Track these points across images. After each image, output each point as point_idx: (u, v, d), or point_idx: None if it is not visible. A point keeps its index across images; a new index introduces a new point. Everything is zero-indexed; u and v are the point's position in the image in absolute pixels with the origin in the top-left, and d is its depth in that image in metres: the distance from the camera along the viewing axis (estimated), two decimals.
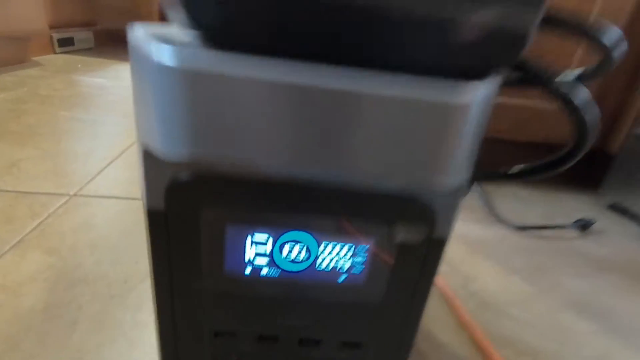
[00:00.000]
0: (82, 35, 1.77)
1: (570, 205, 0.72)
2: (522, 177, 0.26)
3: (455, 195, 0.15)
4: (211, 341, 0.18)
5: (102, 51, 1.79)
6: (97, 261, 0.40)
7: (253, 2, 0.12)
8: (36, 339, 0.30)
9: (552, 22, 0.20)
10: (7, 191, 0.50)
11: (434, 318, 0.39)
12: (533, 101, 0.71)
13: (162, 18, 2.73)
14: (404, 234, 0.16)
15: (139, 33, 0.16)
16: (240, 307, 0.18)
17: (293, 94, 0.13)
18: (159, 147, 0.15)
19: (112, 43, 2.03)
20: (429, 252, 0.16)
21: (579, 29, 0.22)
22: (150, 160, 0.15)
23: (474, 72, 0.14)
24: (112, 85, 1.15)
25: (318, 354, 0.19)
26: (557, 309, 0.42)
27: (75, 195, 0.51)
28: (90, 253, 0.41)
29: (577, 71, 0.25)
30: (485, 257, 0.51)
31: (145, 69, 0.14)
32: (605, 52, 0.22)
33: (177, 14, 0.14)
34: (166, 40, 0.14)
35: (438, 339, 0.36)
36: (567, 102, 0.20)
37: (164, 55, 0.13)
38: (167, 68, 0.13)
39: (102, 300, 0.35)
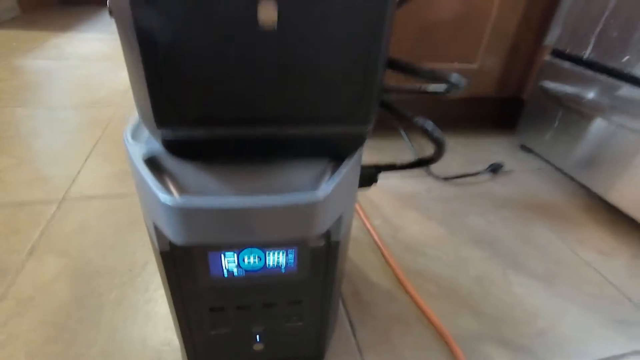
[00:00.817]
0: (4, 5, 1.63)
1: (490, 149, 0.87)
2: (397, 169, 0.38)
3: (338, 224, 0.26)
4: (208, 314, 0.30)
5: (32, 20, 1.66)
6: (102, 256, 0.50)
7: (190, 142, 0.22)
8: (75, 322, 0.41)
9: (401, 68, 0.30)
10: (1, 204, 0.57)
11: (369, 263, 0.52)
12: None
13: None
14: (312, 244, 0.27)
15: (129, 136, 0.24)
16: (223, 293, 0.29)
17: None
18: (162, 231, 0.24)
19: (41, 8, 1.87)
20: (329, 250, 0.28)
21: (425, 74, 0.32)
22: (158, 231, 0.25)
23: (338, 155, 0.24)
24: (58, 68, 1.13)
25: (276, 311, 0.31)
26: (460, 244, 0.57)
27: (64, 199, 0.59)
28: (94, 250, 0.50)
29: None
30: (413, 208, 0.65)
31: (133, 164, 0.24)
32: (450, 86, 0.32)
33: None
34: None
35: (370, 279, 0.50)
36: (424, 131, 0.31)
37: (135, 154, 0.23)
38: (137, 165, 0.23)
39: (116, 287, 0.46)
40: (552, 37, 0.76)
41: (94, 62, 1.22)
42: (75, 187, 0.62)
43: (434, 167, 0.77)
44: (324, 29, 0.20)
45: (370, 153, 0.81)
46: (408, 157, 0.80)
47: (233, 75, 0.20)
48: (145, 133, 0.27)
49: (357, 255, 0.54)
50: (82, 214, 0.57)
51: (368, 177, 0.38)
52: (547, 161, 0.82)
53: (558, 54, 0.75)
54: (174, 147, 0.22)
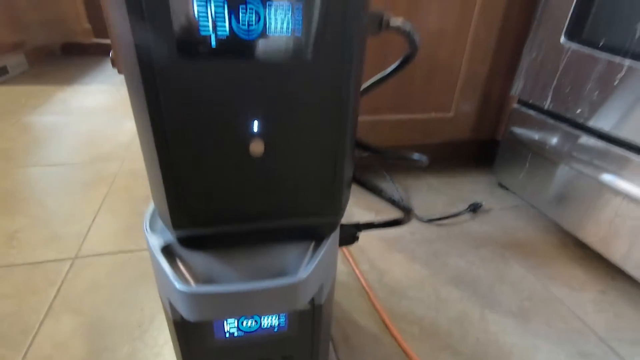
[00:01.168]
0: (14, 61, 1.73)
1: (470, 189, 0.93)
2: (375, 227, 0.44)
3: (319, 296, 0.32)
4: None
5: (39, 74, 1.76)
6: (113, 313, 0.54)
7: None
8: None
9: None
10: (19, 265, 0.62)
11: (357, 308, 0.57)
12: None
13: (95, 33, 2.61)
14: (299, 309, 0.33)
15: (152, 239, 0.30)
16: (225, 351, 0.34)
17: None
18: (176, 308, 0.30)
19: (46, 61, 1.98)
20: (314, 311, 0.33)
21: (390, 155, 0.38)
22: (172, 305, 0.30)
23: (319, 236, 0.31)
24: (64, 123, 1.21)
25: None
26: (441, 285, 0.62)
27: (76, 257, 0.64)
28: (106, 307, 0.55)
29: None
30: (398, 251, 0.70)
31: (152, 253, 0.29)
32: (415, 162, 0.39)
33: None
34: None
35: (359, 323, 0.55)
36: (392, 202, 0.37)
37: (154, 244, 0.29)
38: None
39: (128, 342, 0.50)
40: (517, 88, 0.84)
41: (98, 114, 1.30)
42: (86, 244, 0.68)
43: (418, 209, 0.83)
44: (298, 152, 0.26)
45: (356, 200, 0.87)
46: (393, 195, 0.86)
47: (235, 187, 0.26)
48: (160, 221, 0.33)
49: (346, 299, 0.59)
50: (94, 271, 0.62)
51: (349, 237, 0.44)
52: (522, 198, 0.88)
53: (523, 103, 0.83)
54: (186, 241, 0.28)
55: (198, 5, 0.20)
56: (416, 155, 0.40)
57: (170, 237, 0.30)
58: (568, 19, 0.71)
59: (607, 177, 0.64)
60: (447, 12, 0.78)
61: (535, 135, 0.79)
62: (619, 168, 0.62)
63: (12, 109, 1.31)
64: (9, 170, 0.91)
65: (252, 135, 0.25)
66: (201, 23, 0.20)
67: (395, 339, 0.52)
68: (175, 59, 0.21)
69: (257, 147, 0.25)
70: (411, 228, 0.77)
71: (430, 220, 0.80)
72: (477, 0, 0.78)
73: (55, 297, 0.56)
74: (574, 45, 0.69)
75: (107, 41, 2.35)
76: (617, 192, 0.62)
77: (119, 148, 1.06)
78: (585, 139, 0.68)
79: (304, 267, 0.28)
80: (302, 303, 0.29)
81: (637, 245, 0.60)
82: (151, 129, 0.23)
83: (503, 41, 0.84)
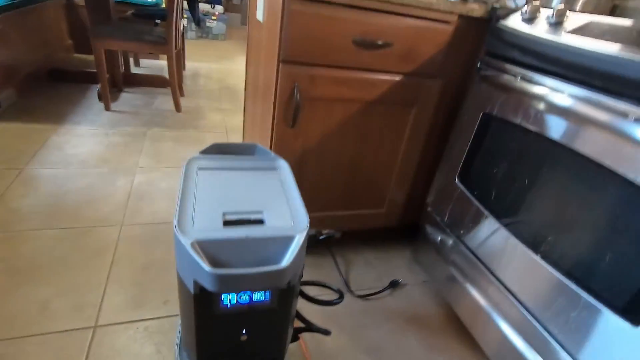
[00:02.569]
0: (5, 94, 1.85)
1: (396, 263, 1.24)
2: (312, 331, 0.71)
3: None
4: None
5: (30, 107, 1.89)
6: None
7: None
8: None
9: None
10: (54, 333, 0.84)
11: None
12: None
13: (76, 48, 2.72)
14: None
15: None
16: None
17: None
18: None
19: (34, 89, 2.08)
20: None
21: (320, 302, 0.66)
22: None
23: None
24: (65, 177, 1.39)
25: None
26: (359, 353, 0.91)
27: (96, 326, 0.87)
28: None
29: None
30: (332, 325, 0.99)
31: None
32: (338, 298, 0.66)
33: None
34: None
35: None
36: (314, 330, 0.64)
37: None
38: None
39: None
40: (430, 199, 1.15)
41: (93, 167, 1.48)
42: (102, 315, 0.90)
43: (353, 283, 1.12)
44: (253, 334, 0.53)
45: (310, 270, 1.14)
46: (336, 280, 1.15)
47: None
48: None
49: None
50: (111, 340, 0.85)
51: (293, 337, 0.72)
52: (429, 275, 1.20)
53: (432, 210, 1.14)
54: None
55: None
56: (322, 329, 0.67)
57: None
58: (460, 166, 1.02)
59: (469, 282, 0.95)
60: (384, 144, 1.06)
61: (437, 238, 1.10)
62: (477, 275, 0.94)
63: (13, 156, 1.47)
64: (24, 234, 1.10)
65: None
66: None
67: None
68: None
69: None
70: (345, 304, 1.06)
71: (360, 297, 1.09)
72: (405, 136, 1.08)
73: None
74: (462, 187, 1.00)
75: (92, 69, 2.47)
76: (474, 292, 0.94)
77: (117, 211, 1.27)
78: (463, 251, 0.99)
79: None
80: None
81: (488, 329, 0.92)
82: None
83: (423, 164, 1.15)
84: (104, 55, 1.88)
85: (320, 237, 1.10)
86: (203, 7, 4.76)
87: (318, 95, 0.91)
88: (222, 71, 3.17)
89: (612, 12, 1.20)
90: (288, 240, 0.50)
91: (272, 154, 0.69)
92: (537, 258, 0.77)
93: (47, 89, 2.17)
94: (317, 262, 1.19)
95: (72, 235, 1.13)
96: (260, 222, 0.52)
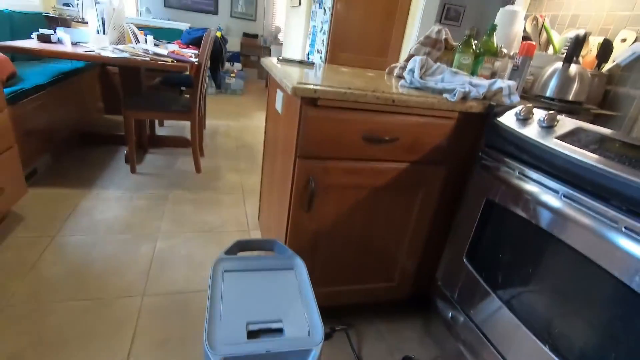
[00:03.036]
0: (42, 161, 2.01)
1: (408, 336, 1.25)
2: None
3: None
4: None
5: (62, 172, 2.04)
6: None
7: None
8: None
9: None
10: None
11: None
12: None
13: (107, 110, 2.94)
14: None
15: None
16: None
17: None
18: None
19: (67, 153, 2.25)
20: None
21: None
22: None
23: None
24: (92, 243, 1.48)
25: None
26: None
27: None
28: None
29: None
30: None
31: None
32: None
33: None
34: None
35: None
36: None
37: None
38: None
39: None
40: (439, 275, 1.18)
41: (118, 233, 1.58)
42: None
43: (367, 354, 1.13)
44: None
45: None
46: (349, 355, 1.16)
47: None
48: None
49: None
50: None
51: None
52: (441, 350, 1.20)
53: (443, 285, 1.17)
54: None
55: None
56: None
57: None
58: (468, 245, 1.06)
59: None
60: (393, 223, 1.12)
61: (448, 312, 1.12)
62: (488, 358, 0.95)
63: (46, 223, 1.57)
64: (52, 305, 1.17)
65: None
66: None
67: None
68: None
69: None
70: None
71: None
72: (413, 215, 1.14)
73: None
74: (470, 267, 1.04)
75: (121, 132, 2.66)
76: None
77: (139, 279, 1.33)
78: (475, 330, 1.01)
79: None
80: None
81: None
82: None
83: (431, 239, 1.20)
84: (133, 124, 2.04)
85: (334, 332, 1.15)
86: None
87: (331, 184, 0.99)
88: (239, 129, 3.35)
89: (605, 97, 1.29)
90: (306, 353, 0.55)
91: (289, 250, 0.75)
92: (547, 349, 0.79)
93: (79, 151, 2.34)
94: (329, 342, 1.21)
95: (97, 306, 1.19)
96: (280, 331, 0.57)
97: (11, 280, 1.25)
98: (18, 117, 1.70)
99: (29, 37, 1.98)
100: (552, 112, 0.86)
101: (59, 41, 1.91)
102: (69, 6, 3.47)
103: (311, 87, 0.85)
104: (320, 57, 2.75)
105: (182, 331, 1.14)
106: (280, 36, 5.81)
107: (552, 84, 1.17)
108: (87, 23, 2.46)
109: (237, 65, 5.32)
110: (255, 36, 5.77)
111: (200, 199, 1.97)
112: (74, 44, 1.92)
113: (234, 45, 5.58)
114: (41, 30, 1.86)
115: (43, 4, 3.23)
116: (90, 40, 1.98)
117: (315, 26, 2.95)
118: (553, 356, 0.77)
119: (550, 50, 1.41)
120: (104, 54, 1.74)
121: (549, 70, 1.19)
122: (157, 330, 1.14)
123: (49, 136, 2.06)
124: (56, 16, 2.34)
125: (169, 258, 1.47)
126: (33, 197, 1.76)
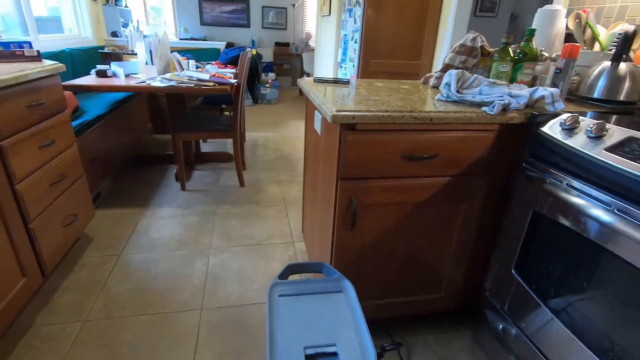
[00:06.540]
0: (105, 184, 2.21)
1: (457, 347, 1.24)
2: None
3: None
4: None
5: (121, 192, 2.22)
6: None
7: None
8: None
9: None
10: None
11: None
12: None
13: (155, 130, 3.11)
14: None
15: None
16: None
17: None
18: None
19: (125, 174, 2.45)
20: None
21: None
22: None
23: None
24: (152, 261, 1.61)
25: None
26: None
27: None
28: None
29: None
30: None
31: None
32: None
33: None
34: None
35: None
36: None
37: None
38: None
39: None
40: (487, 287, 1.17)
41: (174, 250, 1.70)
42: None
43: None
44: None
45: None
46: None
47: None
48: None
49: None
50: None
51: None
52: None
53: (491, 296, 1.16)
54: None
55: None
56: None
57: None
58: (516, 257, 1.04)
59: None
60: (437, 236, 1.13)
61: (499, 324, 1.11)
62: None
63: (111, 243, 1.73)
64: (126, 320, 1.29)
65: None
66: None
67: None
68: None
69: None
70: None
71: None
72: (457, 228, 1.13)
73: None
74: (519, 279, 1.02)
75: (169, 151, 2.84)
76: None
77: (196, 294, 1.43)
78: (528, 344, 0.99)
79: None
80: None
81: None
82: None
83: (477, 249, 1.19)
84: (181, 145, 2.18)
85: (384, 352, 1.17)
86: None
87: (372, 202, 1.01)
88: (277, 140, 3.45)
89: None
90: None
91: (337, 273, 0.79)
92: None
93: (134, 172, 2.54)
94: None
95: (161, 320, 1.30)
96: (334, 354, 0.62)
97: (88, 298, 1.40)
98: (84, 147, 1.89)
99: (88, 73, 2.19)
100: (601, 121, 0.83)
101: (114, 74, 2.09)
102: (117, 36, 3.76)
103: (349, 113, 0.89)
104: (353, 65, 2.77)
105: (239, 345, 1.22)
106: (312, 42, 5.90)
107: (600, 84, 1.12)
108: (136, 54, 2.66)
109: (271, 75, 5.46)
110: (287, 44, 5.90)
111: (246, 213, 2.07)
112: (126, 75, 2.10)
113: (266, 55, 5.74)
114: (98, 67, 2.05)
115: (96, 37, 3.53)
116: (141, 70, 2.14)
117: (346, 34, 2.98)
118: None
119: (597, 47, 1.34)
120: (153, 84, 1.88)
121: (596, 70, 1.14)
122: (216, 343, 1.23)
123: (109, 161, 2.26)
124: (110, 52, 2.56)
125: (221, 273, 1.57)
126: (99, 218, 1.94)
